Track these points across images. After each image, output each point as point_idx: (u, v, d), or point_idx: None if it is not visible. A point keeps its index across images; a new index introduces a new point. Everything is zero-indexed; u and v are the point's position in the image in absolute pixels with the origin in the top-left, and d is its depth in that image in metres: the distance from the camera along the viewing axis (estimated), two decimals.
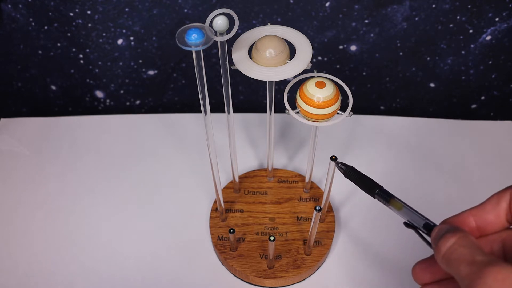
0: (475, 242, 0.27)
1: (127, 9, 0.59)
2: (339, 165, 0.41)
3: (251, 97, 0.71)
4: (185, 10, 0.60)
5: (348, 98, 0.42)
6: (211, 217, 0.53)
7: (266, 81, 0.41)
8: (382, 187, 0.36)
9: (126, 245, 0.53)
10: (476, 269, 0.25)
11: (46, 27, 0.61)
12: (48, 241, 0.53)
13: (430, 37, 0.62)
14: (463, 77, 0.67)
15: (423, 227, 0.31)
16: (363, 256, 0.52)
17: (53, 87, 0.70)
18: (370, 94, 0.71)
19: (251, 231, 0.52)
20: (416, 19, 0.60)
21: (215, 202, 0.54)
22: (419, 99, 0.71)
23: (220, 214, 0.52)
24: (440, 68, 0.66)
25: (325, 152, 0.60)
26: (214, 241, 0.51)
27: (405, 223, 0.33)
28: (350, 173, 0.39)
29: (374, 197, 0.36)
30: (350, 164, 0.40)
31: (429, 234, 0.31)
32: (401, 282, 0.50)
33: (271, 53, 0.39)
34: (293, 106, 0.42)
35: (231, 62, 0.40)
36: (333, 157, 0.43)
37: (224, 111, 0.44)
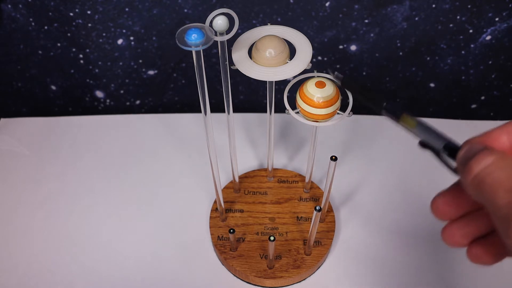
0: None
1: (127, 9, 0.59)
2: (335, 74, 0.33)
3: (251, 97, 0.71)
4: (185, 10, 0.60)
5: (348, 98, 0.42)
6: (211, 217, 0.53)
7: (266, 81, 0.41)
8: (390, 101, 0.30)
9: (126, 245, 0.53)
10: None
11: (46, 27, 0.61)
12: (48, 241, 0.53)
13: (430, 37, 0.62)
14: (463, 77, 0.67)
15: (443, 148, 0.26)
16: (363, 256, 0.52)
17: (53, 87, 0.70)
18: None
19: (251, 231, 0.52)
20: (416, 19, 0.60)
21: (215, 202, 0.54)
22: (419, 99, 0.71)
23: (220, 214, 0.52)
24: (440, 68, 0.66)
25: (325, 152, 0.60)
26: (214, 241, 0.51)
27: (420, 143, 0.28)
28: (349, 82, 0.32)
29: (381, 113, 0.30)
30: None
31: (450, 157, 0.26)
32: (401, 282, 0.50)
33: (271, 53, 0.39)
34: (293, 106, 0.42)
35: (231, 62, 0.40)
36: (333, 157, 0.43)
37: (224, 111, 0.44)
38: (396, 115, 0.29)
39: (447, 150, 0.26)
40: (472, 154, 0.24)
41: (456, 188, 0.27)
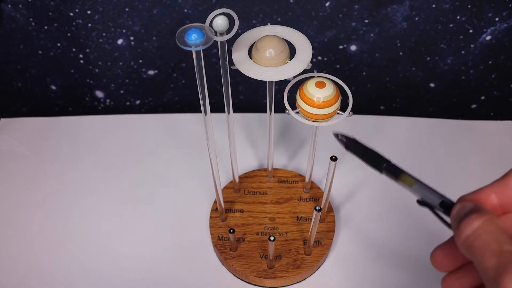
0: (501, 228, 0.24)
1: (127, 9, 0.59)
2: (339, 137, 0.36)
3: (251, 97, 0.71)
4: (185, 10, 0.60)
5: (348, 98, 0.42)
6: (211, 217, 0.53)
7: (266, 81, 0.41)
8: (390, 161, 0.32)
9: (126, 245, 0.53)
10: (504, 261, 0.22)
11: (46, 27, 0.61)
12: (48, 241, 0.53)
13: (430, 37, 0.62)
14: (463, 77, 0.67)
15: (439, 205, 0.28)
16: (363, 256, 0.52)
17: (53, 87, 0.70)
18: (370, 94, 0.71)
19: (251, 231, 0.52)
20: (416, 19, 0.60)
21: (215, 202, 0.54)
22: (419, 99, 0.71)
23: (220, 214, 0.52)
24: (440, 68, 0.66)
25: (325, 152, 0.60)
26: (214, 241, 0.51)
27: (418, 201, 0.30)
28: (352, 146, 0.35)
29: (381, 173, 0.32)
30: (351, 138, 0.36)
31: (446, 213, 0.27)
32: (401, 282, 0.50)
33: (271, 53, 0.39)
34: (293, 106, 0.42)
35: (231, 62, 0.40)
36: (333, 157, 0.43)
37: (224, 111, 0.44)
38: (395, 175, 0.31)
39: (443, 207, 0.28)
40: (463, 214, 0.25)
41: (453, 242, 0.28)
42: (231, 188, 0.56)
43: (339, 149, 0.62)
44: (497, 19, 0.59)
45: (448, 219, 0.27)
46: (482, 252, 0.23)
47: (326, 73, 0.43)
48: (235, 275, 0.50)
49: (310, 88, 0.40)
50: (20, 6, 0.59)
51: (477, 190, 0.27)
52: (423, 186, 0.29)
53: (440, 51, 0.63)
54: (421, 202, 0.29)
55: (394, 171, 0.31)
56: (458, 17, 0.59)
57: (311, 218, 0.53)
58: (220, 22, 0.34)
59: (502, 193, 0.26)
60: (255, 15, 0.60)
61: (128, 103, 0.72)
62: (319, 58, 0.65)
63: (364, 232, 0.54)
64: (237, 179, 0.54)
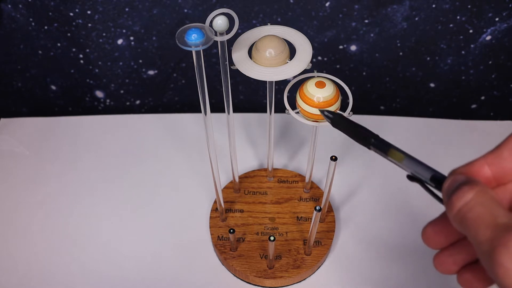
0: (495, 199, 0.23)
1: (127, 9, 0.59)
2: (325, 113, 0.34)
3: (251, 97, 0.71)
4: (185, 10, 0.60)
5: (348, 98, 0.42)
6: (211, 217, 0.53)
7: (266, 81, 0.41)
8: (378, 136, 0.31)
9: (126, 245, 0.53)
10: (498, 233, 0.21)
11: (46, 27, 0.61)
12: (48, 241, 0.53)
13: (430, 37, 0.62)
14: (463, 77, 0.67)
15: (430, 180, 0.27)
16: (363, 256, 0.52)
17: (53, 87, 0.70)
18: (370, 94, 0.71)
19: (251, 231, 0.52)
20: (416, 19, 0.60)
21: (215, 202, 0.54)
22: (419, 99, 0.71)
23: (220, 214, 0.52)
24: (440, 68, 0.66)
25: (325, 152, 0.60)
26: (214, 241, 0.51)
27: (408, 176, 0.29)
28: (339, 121, 0.33)
29: (370, 148, 0.31)
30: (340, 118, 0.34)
31: (438, 188, 0.26)
32: (402, 281, 0.50)
33: (271, 53, 0.39)
34: (293, 106, 0.42)
35: (231, 62, 0.40)
36: (333, 157, 0.43)
37: (224, 111, 0.44)
38: (383, 151, 0.30)
39: (434, 181, 0.27)
40: (455, 187, 0.24)
41: (445, 218, 0.27)
42: (231, 188, 0.56)
43: (339, 149, 0.62)
44: (497, 19, 0.59)
45: (439, 194, 0.26)
46: (475, 225, 0.22)
47: (326, 73, 0.43)
48: (235, 275, 0.50)
49: (310, 88, 0.40)
50: (20, 6, 0.59)
51: (469, 162, 0.26)
52: (413, 161, 0.28)
53: (440, 51, 0.63)
54: (412, 177, 0.28)
55: (382, 146, 0.30)
56: (458, 17, 0.59)
57: (311, 218, 0.53)
58: (220, 22, 0.34)
59: (496, 164, 0.25)
60: (255, 15, 0.60)
61: (128, 103, 0.72)
62: (319, 58, 0.65)
63: (364, 232, 0.54)
64: (237, 179, 0.54)
